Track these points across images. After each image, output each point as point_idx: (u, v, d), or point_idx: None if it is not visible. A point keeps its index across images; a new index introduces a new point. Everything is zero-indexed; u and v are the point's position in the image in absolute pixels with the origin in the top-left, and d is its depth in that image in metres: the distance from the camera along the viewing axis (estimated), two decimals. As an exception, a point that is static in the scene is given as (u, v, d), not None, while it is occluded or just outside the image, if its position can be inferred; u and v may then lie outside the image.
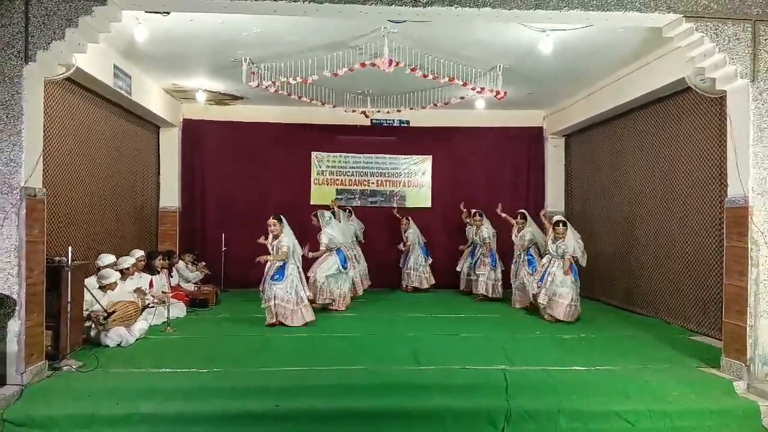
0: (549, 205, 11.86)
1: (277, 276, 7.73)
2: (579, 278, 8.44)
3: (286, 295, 7.69)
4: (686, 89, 7.60)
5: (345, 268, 9.00)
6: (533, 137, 12.08)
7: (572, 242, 8.42)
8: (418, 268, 11.35)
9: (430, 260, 11.40)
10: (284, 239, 7.78)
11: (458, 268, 11.01)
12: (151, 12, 6.24)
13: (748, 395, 5.31)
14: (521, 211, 9.71)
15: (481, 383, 5.33)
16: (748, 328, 5.46)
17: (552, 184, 12.01)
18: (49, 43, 5.18)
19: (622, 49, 7.70)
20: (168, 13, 6.23)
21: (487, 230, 10.24)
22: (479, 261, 10.30)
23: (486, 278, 10.18)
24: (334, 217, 9.59)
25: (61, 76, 5.81)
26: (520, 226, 9.52)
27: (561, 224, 8.50)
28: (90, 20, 5.26)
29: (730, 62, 5.54)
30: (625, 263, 9.55)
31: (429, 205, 12.01)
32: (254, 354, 6.26)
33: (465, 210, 11.03)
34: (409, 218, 11.46)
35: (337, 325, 7.90)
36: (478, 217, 10.42)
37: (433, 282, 11.38)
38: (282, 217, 7.94)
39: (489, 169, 11.99)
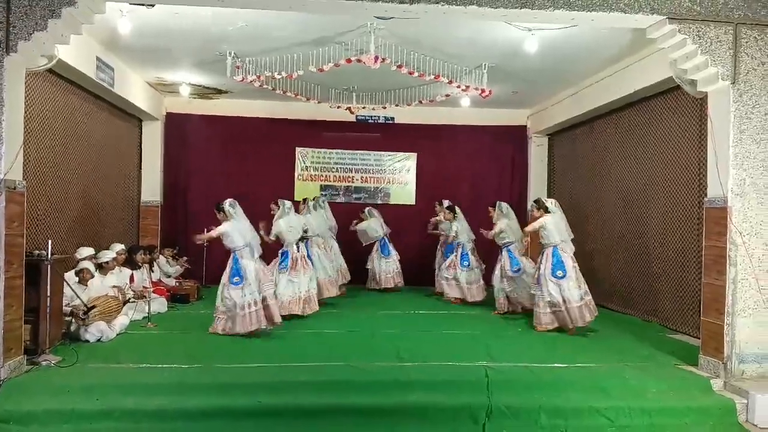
0: (532, 203, 11.88)
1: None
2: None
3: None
4: (668, 90, 7.71)
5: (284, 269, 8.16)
6: (517, 136, 12.16)
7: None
8: (385, 266, 10.89)
9: (397, 255, 10.92)
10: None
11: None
12: (135, 4, 6.17)
13: (725, 393, 5.40)
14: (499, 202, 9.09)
15: (463, 380, 5.36)
16: (725, 327, 5.55)
17: (535, 183, 12.09)
18: (30, 34, 5.10)
19: (607, 49, 7.77)
20: (152, 5, 6.16)
21: (458, 225, 9.65)
22: (452, 261, 9.71)
23: (456, 280, 9.63)
24: (316, 208, 9.54)
25: (42, 67, 5.72)
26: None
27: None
28: (73, 11, 5.19)
29: (712, 64, 5.61)
30: (605, 261, 9.64)
31: (413, 202, 12.04)
32: (236, 350, 6.23)
33: (437, 204, 10.57)
34: (367, 210, 11.01)
35: (320, 322, 7.88)
36: (448, 212, 9.84)
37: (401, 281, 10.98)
38: (222, 206, 7.17)
39: (473, 168, 12.04)
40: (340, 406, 4.96)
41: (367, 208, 11.12)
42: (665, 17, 5.58)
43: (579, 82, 9.50)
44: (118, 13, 6.55)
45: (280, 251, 8.16)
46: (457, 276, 9.61)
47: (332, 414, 4.90)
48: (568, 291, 7.22)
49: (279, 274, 8.03)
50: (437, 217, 10.41)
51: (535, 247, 8.53)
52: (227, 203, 7.15)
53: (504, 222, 8.68)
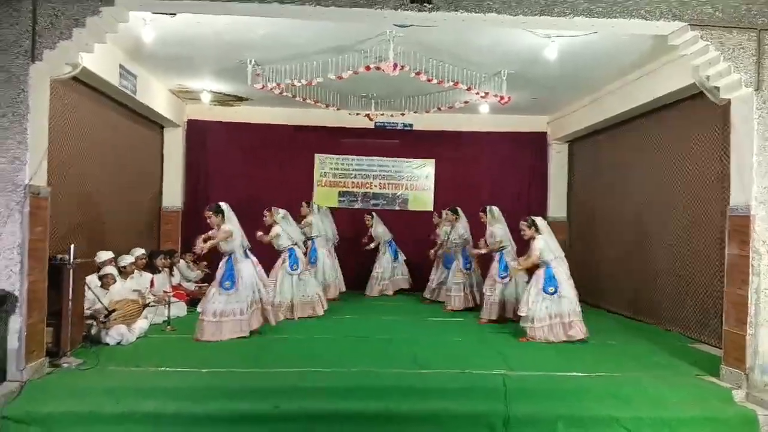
0: (551, 210, 11.87)
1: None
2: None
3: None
4: (691, 97, 7.61)
5: (293, 270, 8.48)
6: (537, 142, 12.09)
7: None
8: (389, 272, 11.07)
9: (404, 257, 11.18)
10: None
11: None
12: (158, 13, 6.27)
13: (747, 404, 5.30)
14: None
15: (480, 387, 5.33)
16: (748, 337, 5.45)
17: (555, 190, 12.01)
18: (56, 43, 5.20)
19: (627, 56, 7.71)
20: (175, 14, 6.26)
21: (461, 226, 9.63)
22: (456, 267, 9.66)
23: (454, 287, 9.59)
24: (319, 210, 9.85)
25: (67, 75, 5.82)
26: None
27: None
28: (97, 20, 5.28)
29: (735, 71, 5.54)
30: (627, 270, 9.54)
31: (431, 208, 12.00)
32: (254, 354, 6.26)
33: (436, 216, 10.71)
34: (373, 214, 11.22)
35: (335, 327, 7.90)
36: (450, 214, 9.74)
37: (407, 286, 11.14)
38: (221, 207, 7.20)
39: (492, 174, 11.98)
40: (357, 412, 4.95)
41: (374, 213, 11.26)
42: (687, 24, 5.52)
43: (599, 89, 9.43)
44: (141, 22, 6.64)
45: (287, 253, 8.36)
46: (465, 281, 9.54)
47: (349, 420, 4.89)
48: (560, 306, 7.18)
49: (288, 274, 8.31)
50: (438, 228, 10.45)
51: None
52: (224, 205, 7.15)
53: (499, 227, 8.71)
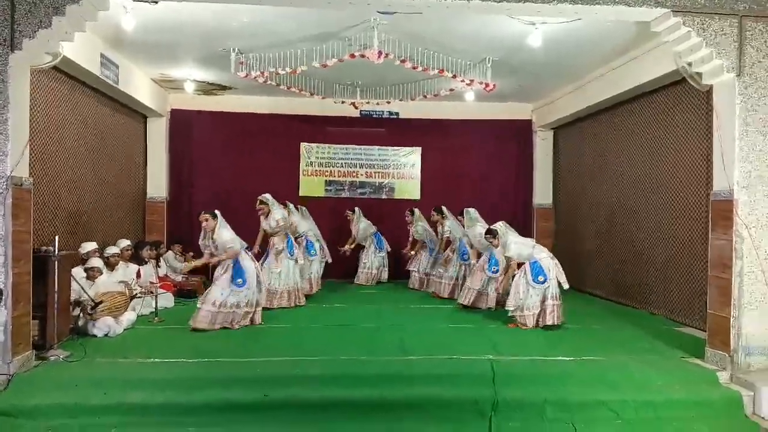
0: (537, 197, 11.95)
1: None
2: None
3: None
4: (674, 83, 7.69)
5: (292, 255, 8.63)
6: (522, 130, 12.13)
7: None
8: (376, 263, 11.15)
9: (388, 249, 11.22)
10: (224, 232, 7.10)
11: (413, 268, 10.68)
12: (139, 0, 6.19)
13: (731, 385, 5.40)
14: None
15: (468, 373, 5.37)
16: (732, 320, 5.54)
17: (540, 177, 12.07)
18: (35, 32, 5.12)
19: (611, 42, 7.74)
20: (156, 2, 6.18)
21: (449, 224, 9.75)
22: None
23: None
24: (298, 210, 9.97)
25: (47, 64, 5.73)
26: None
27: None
28: (77, 8, 5.20)
29: (717, 57, 5.59)
30: (612, 255, 9.63)
31: (418, 197, 12.02)
32: (242, 344, 6.27)
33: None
34: (355, 209, 11.23)
35: (323, 316, 7.91)
36: (435, 214, 9.94)
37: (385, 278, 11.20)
38: (217, 212, 7.20)
39: (478, 162, 12.03)
40: (346, 399, 4.98)
41: (356, 208, 11.21)
42: (669, 10, 5.55)
43: (584, 76, 9.47)
44: (122, 10, 6.54)
45: (284, 241, 8.44)
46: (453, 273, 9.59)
47: (337, 407, 4.92)
48: (550, 290, 7.21)
49: (285, 260, 8.41)
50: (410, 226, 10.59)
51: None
52: (218, 212, 7.18)
53: (478, 229, 8.65)
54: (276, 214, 8.37)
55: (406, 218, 10.73)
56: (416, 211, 10.59)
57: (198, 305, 7.01)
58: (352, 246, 11.09)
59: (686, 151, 7.71)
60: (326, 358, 5.67)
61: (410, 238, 10.69)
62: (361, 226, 11.08)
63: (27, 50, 5.17)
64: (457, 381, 5.24)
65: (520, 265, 7.40)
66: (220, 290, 6.93)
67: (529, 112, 12.03)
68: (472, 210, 9.00)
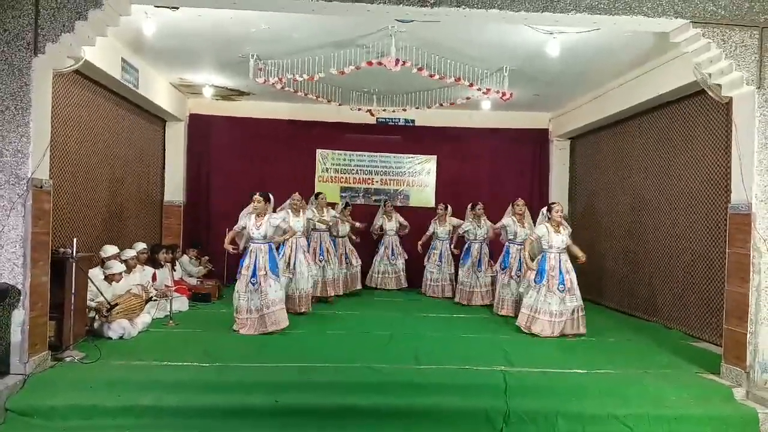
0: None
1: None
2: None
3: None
4: (693, 95, 7.62)
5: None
6: (538, 139, 12.08)
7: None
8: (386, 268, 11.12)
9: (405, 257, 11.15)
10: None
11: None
12: (159, 6, 6.26)
13: (747, 402, 5.32)
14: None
15: (480, 384, 5.35)
16: (748, 335, 5.46)
17: (556, 187, 12.00)
18: (58, 36, 5.20)
19: (629, 53, 7.70)
20: (177, 7, 6.26)
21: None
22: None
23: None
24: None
25: (69, 68, 5.82)
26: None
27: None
28: (99, 13, 5.28)
29: (737, 69, 5.54)
30: (628, 267, 9.55)
31: (432, 204, 11.99)
32: (255, 349, 6.29)
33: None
34: (392, 208, 11.29)
35: (336, 323, 7.92)
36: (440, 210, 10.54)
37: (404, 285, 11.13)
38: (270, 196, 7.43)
39: (493, 170, 11.99)
40: (357, 407, 4.97)
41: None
42: (689, 21, 5.52)
43: (601, 86, 9.43)
44: (142, 15, 6.64)
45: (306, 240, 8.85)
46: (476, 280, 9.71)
47: (348, 414, 4.92)
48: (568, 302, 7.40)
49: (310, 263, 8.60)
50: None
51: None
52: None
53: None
54: (308, 213, 8.87)
55: (439, 210, 10.73)
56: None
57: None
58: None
59: (704, 163, 7.63)
60: (337, 365, 5.66)
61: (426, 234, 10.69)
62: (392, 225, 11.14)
63: (50, 54, 5.25)
64: (468, 391, 5.21)
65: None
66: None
67: (546, 121, 11.98)
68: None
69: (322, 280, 9.39)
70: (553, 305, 7.25)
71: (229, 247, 7.38)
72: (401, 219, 11.19)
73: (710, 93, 6.00)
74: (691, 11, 5.50)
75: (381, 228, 11.10)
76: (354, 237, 10.68)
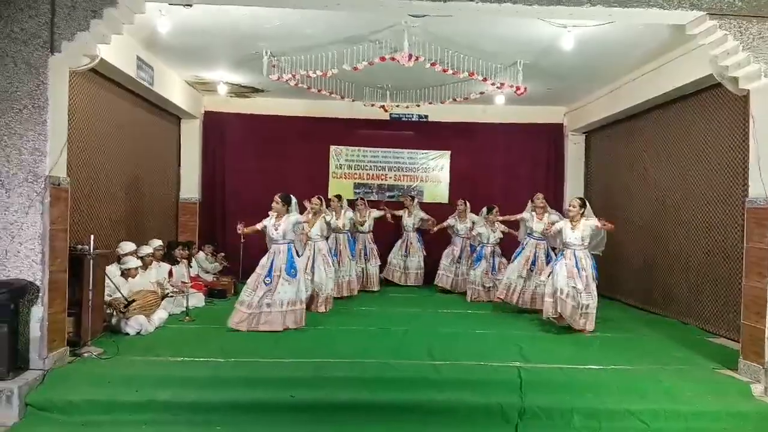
0: (568, 201, 11.76)
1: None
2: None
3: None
4: (709, 87, 7.52)
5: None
6: (553, 134, 12.01)
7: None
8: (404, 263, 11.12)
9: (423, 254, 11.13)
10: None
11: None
12: (173, 4, 6.29)
13: (766, 398, 5.27)
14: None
15: (496, 379, 5.34)
16: (766, 331, 5.40)
17: (572, 182, 11.92)
18: (74, 34, 5.25)
19: (644, 46, 7.62)
20: (190, 5, 6.26)
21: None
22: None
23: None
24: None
25: (85, 66, 5.87)
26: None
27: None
28: (114, 11, 5.32)
29: (754, 61, 5.46)
30: (644, 263, 9.47)
31: (446, 200, 11.98)
32: (270, 345, 6.32)
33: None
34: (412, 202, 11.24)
35: (351, 319, 7.94)
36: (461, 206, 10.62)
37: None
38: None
39: (508, 166, 11.92)
40: (372, 402, 4.99)
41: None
42: (705, 13, 5.45)
43: (617, 79, 9.34)
44: (157, 13, 6.67)
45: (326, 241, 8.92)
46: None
47: (364, 410, 4.94)
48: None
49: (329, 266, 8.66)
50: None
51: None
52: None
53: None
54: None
55: (459, 206, 10.70)
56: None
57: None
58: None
59: (721, 157, 7.54)
60: (353, 361, 5.68)
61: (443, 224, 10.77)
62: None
63: (66, 52, 5.30)
64: (484, 387, 5.21)
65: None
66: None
67: (561, 115, 11.90)
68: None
69: (336, 282, 9.34)
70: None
71: (242, 228, 7.39)
72: (422, 214, 11.14)
73: (727, 85, 5.93)
74: (707, 3, 5.43)
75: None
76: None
